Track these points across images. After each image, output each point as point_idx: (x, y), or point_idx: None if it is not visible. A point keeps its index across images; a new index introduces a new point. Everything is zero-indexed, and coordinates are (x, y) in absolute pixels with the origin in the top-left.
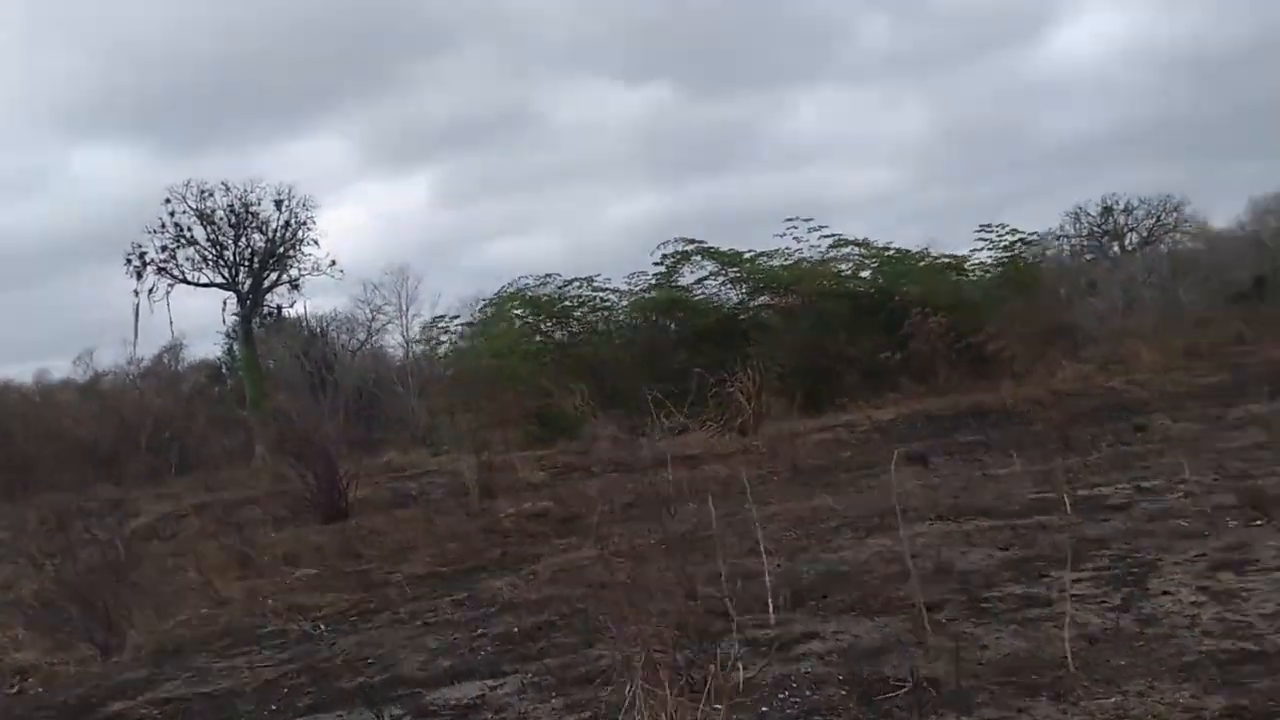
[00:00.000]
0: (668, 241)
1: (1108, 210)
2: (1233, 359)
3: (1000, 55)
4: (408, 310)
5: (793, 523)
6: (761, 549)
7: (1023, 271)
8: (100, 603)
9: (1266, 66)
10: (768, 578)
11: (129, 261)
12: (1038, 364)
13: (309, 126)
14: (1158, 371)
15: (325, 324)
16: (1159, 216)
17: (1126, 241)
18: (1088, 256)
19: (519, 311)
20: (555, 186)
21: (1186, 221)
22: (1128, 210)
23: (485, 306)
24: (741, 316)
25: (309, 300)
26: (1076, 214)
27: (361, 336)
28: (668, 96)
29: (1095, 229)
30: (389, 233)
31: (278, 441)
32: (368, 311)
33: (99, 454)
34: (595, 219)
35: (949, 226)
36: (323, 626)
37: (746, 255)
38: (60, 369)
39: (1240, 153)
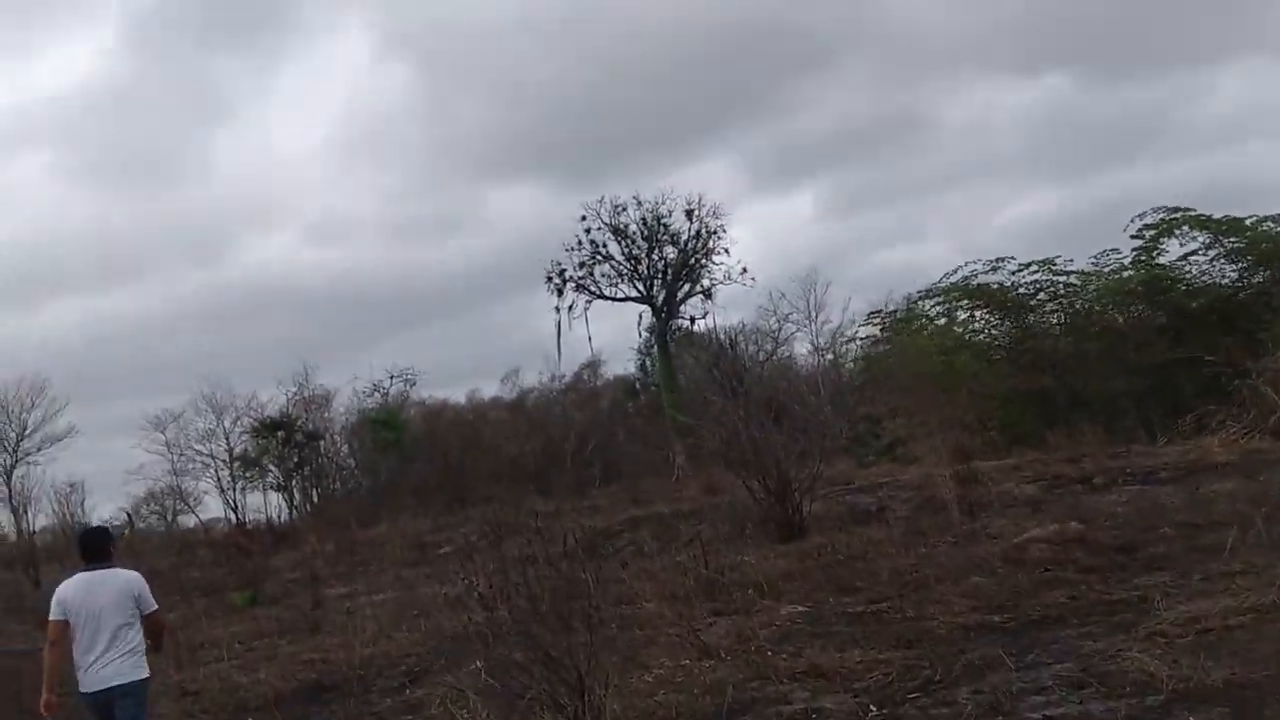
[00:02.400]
0: (1145, 213)
1: None
2: None
3: None
4: (816, 316)
5: None
6: None
7: None
8: (567, 659)
9: None
10: None
11: (549, 279)
12: None
13: (697, 154)
14: None
15: (734, 335)
16: None
17: None
18: None
19: (964, 303)
20: (945, 191)
21: None
22: None
23: (921, 299)
24: (1241, 295)
25: (718, 312)
26: None
27: (769, 347)
28: (1065, 86)
29: None
30: (777, 252)
31: (724, 451)
32: (774, 322)
33: (527, 468)
34: (988, 222)
35: None
36: (874, 709)
37: (1249, 221)
38: (489, 389)
39: None
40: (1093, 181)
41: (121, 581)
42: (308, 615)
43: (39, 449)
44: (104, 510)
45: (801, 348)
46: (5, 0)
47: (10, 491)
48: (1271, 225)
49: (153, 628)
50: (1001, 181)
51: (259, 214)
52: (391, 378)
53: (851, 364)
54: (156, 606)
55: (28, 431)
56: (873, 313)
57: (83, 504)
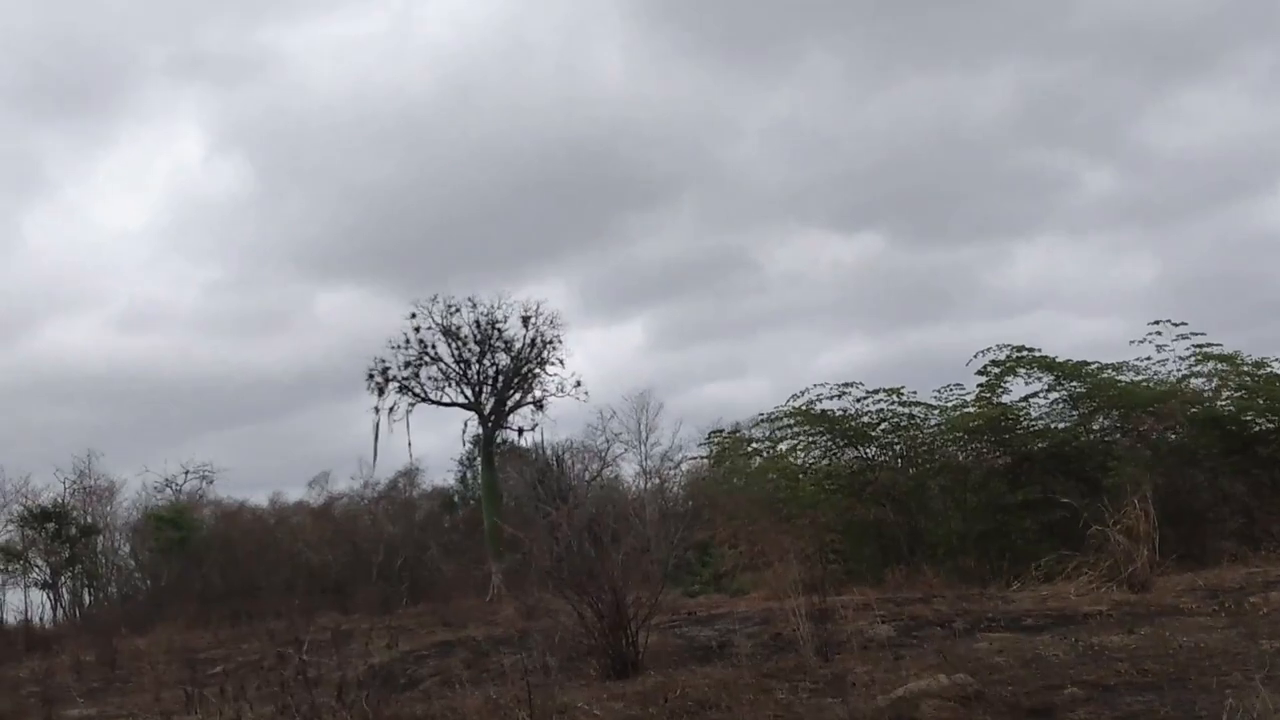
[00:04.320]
0: (989, 349)
1: None
2: None
3: (1231, 204)
4: (647, 439)
5: None
6: None
7: None
8: None
9: None
10: None
11: (370, 377)
12: None
13: (532, 274)
14: None
15: (561, 451)
16: None
17: None
18: None
19: (805, 428)
20: (767, 332)
21: None
22: None
23: (763, 422)
24: (1081, 439)
25: (547, 426)
26: None
27: (596, 466)
28: (881, 245)
29: None
30: (607, 378)
31: (553, 570)
32: (603, 440)
33: (330, 580)
34: (806, 364)
35: None
36: None
37: (1092, 366)
38: (296, 493)
39: None
40: (901, 335)
41: None
42: None
43: None
44: None
45: (629, 469)
46: None
47: None
48: (1113, 373)
49: None
50: (819, 327)
51: (65, 296)
52: (186, 473)
53: (679, 489)
54: None
55: None
56: (713, 432)
57: None
